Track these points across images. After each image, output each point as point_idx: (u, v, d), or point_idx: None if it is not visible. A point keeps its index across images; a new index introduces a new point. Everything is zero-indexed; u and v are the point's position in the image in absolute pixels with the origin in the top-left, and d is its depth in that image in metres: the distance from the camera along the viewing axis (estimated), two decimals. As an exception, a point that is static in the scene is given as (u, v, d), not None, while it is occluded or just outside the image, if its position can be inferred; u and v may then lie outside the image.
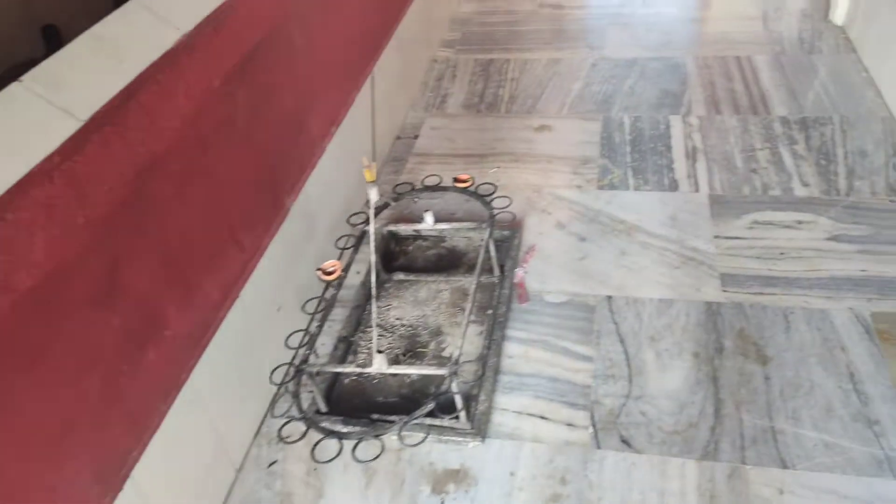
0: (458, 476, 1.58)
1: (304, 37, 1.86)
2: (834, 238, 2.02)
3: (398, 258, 2.17)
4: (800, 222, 2.09)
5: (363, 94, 2.33)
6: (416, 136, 2.69)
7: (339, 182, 2.10)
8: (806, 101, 2.59)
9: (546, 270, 2.05)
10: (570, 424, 1.65)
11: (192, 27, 1.37)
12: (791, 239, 2.03)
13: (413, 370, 1.54)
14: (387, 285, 2.05)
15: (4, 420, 1.00)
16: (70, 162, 1.09)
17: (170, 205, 1.36)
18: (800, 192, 2.19)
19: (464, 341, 1.56)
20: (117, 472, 1.23)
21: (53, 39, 2.20)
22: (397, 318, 1.95)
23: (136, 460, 1.26)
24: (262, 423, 1.72)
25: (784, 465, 1.51)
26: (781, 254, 1.99)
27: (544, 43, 3.21)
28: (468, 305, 1.65)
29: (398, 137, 2.70)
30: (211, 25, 1.42)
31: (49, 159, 1.05)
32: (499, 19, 3.48)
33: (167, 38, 1.33)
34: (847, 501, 1.43)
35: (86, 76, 1.18)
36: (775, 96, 2.63)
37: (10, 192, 0.99)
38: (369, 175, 1.69)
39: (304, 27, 1.86)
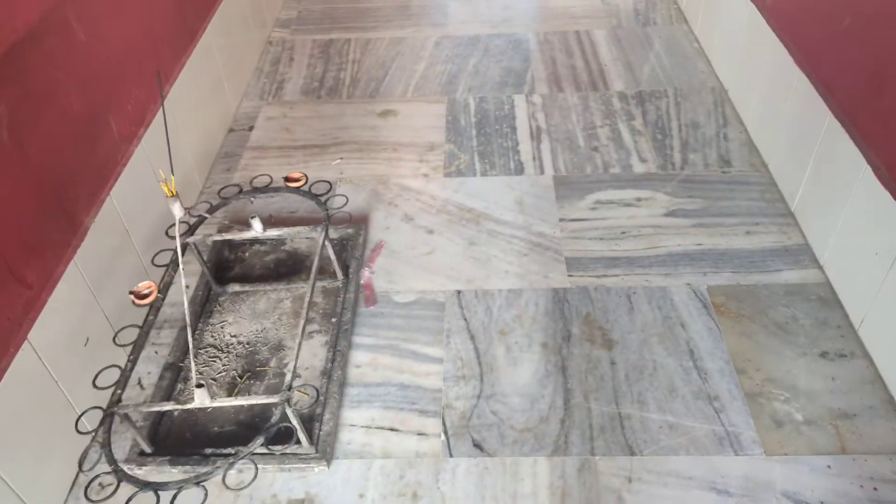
0: (304, 506, 1.46)
1: (88, 26, 1.61)
2: (671, 213, 2.07)
3: (233, 267, 1.99)
4: (639, 199, 2.11)
5: (182, 82, 2.10)
6: (250, 128, 2.49)
7: (154, 191, 1.87)
8: (642, 74, 2.63)
9: (394, 268, 1.95)
10: (421, 434, 1.57)
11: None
12: (631, 217, 2.06)
13: (240, 401, 1.40)
14: (221, 299, 1.87)
15: None
16: None
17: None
18: (638, 168, 2.22)
19: (297, 362, 1.43)
20: None
21: None
22: (233, 336, 1.78)
23: None
24: (76, 475, 1.51)
25: (631, 452, 1.51)
26: (623, 233, 2.01)
27: (387, 20, 3.07)
28: (301, 319, 1.52)
29: (231, 130, 2.48)
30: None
31: None
32: (338, -5, 3.30)
33: None
34: (691, 482, 1.46)
35: None
36: (613, 71, 2.65)
37: None
38: (167, 189, 1.49)
39: (86, 14, 1.61)
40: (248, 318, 1.83)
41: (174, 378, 1.67)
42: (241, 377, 1.68)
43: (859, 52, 1.69)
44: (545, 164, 2.25)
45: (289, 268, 1.97)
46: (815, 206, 1.92)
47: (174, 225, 1.57)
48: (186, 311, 1.38)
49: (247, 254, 2.02)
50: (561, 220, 2.05)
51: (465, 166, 2.27)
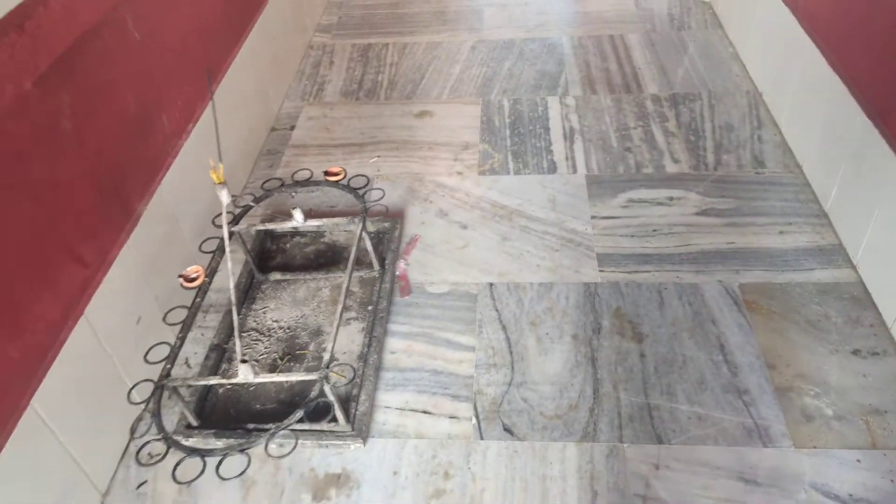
0: (339, 481, 1.52)
1: (142, 27, 1.71)
2: (703, 212, 2.09)
3: (275, 257, 2.07)
4: (671, 198, 2.14)
5: (226, 82, 2.19)
6: (292, 127, 2.58)
7: (200, 181, 1.96)
8: (676, 77, 2.66)
9: (428, 261, 2.01)
10: (453, 417, 1.62)
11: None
12: (663, 216, 2.08)
13: (282, 377, 1.46)
14: (263, 286, 1.95)
15: None
16: None
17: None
18: (671, 168, 2.25)
19: (334, 344, 1.49)
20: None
21: None
22: (274, 321, 1.86)
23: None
24: (129, 442, 1.60)
25: (659, 441, 1.54)
26: (654, 231, 2.04)
27: (424, 26, 3.15)
28: (339, 305, 1.58)
29: (273, 129, 2.58)
30: (13, 24, 1.27)
31: None
32: (377, 2, 3.39)
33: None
34: (719, 472, 1.47)
35: None
36: (647, 74, 2.69)
37: None
38: (216, 176, 1.58)
39: (141, 16, 1.71)
40: (288, 304, 1.90)
41: (219, 358, 1.75)
42: (281, 359, 1.75)
43: (892, 53, 1.71)
44: (578, 163, 2.29)
45: (327, 259, 2.04)
46: (849, 206, 1.92)
47: (221, 214, 1.66)
48: (232, 291, 1.45)
49: (288, 245, 2.10)
50: (593, 217, 2.09)
51: (498, 165, 2.32)
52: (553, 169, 2.28)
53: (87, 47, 1.49)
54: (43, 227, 1.35)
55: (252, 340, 1.81)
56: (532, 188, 2.22)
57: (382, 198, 1.96)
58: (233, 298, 1.46)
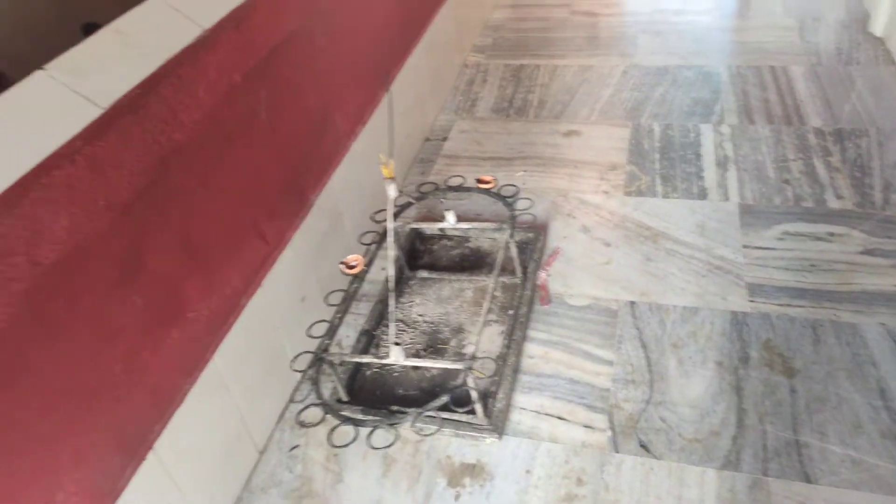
0: (474, 471, 1.57)
1: (327, 37, 1.89)
2: (868, 252, 1.97)
3: (423, 256, 2.17)
4: (832, 234, 2.04)
5: (391, 93, 2.35)
6: (444, 139, 2.71)
7: (364, 180, 2.12)
8: (842, 112, 2.54)
9: (569, 273, 2.04)
10: (588, 426, 1.63)
11: (212, 24, 1.40)
12: (822, 251, 1.99)
13: (429, 363, 1.54)
14: (411, 282, 2.06)
15: (30, 388, 1.02)
16: (91, 147, 1.12)
17: (192, 194, 1.38)
18: (833, 203, 2.14)
19: (479, 338, 1.56)
20: (139, 444, 1.25)
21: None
22: (420, 315, 1.95)
23: (158, 434, 1.28)
24: (285, 408, 1.74)
25: (808, 479, 1.47)
26: (812, 266, 1.95)
27: (576, 50, 3.20)
28: (485, 303, 1.65)
29: (427, 139, 2.72)
30: (232, 24, 1.45)
31: (71, 143, 1.08)
32: (531, 25, 3.49)
33: (188, 34, 1.35)
34: (872, 518, 1.39)
35: (107, 67, 1.20)
36: (810, 107, 2.58)
37: (34, 171, 1.02)
38: (387, 171, 1.70)
39: (327, 27, 1.89)
40: (433, 301, 1.99)
41: (368, 343, 1.87)
42: (424, 350, 1.84)
43: None
44: (730, 191, 2.24)
45: (471, 263, 2.12)
46: None
47: (380, 210, 1.78)
48: (390, 276, 1.55)
49: (435, 247, 2.20)
50: (745, 246, 2.03)
51: (645, 187, 2.32)
52: (703, 195, 2.25)
53: (282, 50, 1.67)
54: (240, 203, 1.52)
55: (398, 330, 1.91)
56: (680, 212, 2.19)
57: (531, 207, 2.01)
58: (390, 285, 1.56)
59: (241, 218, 1.54)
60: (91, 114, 1.11)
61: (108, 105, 1.13)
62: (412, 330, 1.90)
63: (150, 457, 1.26)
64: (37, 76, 1.09)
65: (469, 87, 3.01)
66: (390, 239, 1.68)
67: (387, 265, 1.63)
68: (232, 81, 1.46)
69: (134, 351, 1.22)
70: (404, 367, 1.78)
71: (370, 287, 2.03)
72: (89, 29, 2.32)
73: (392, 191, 1.71)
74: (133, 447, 1.23)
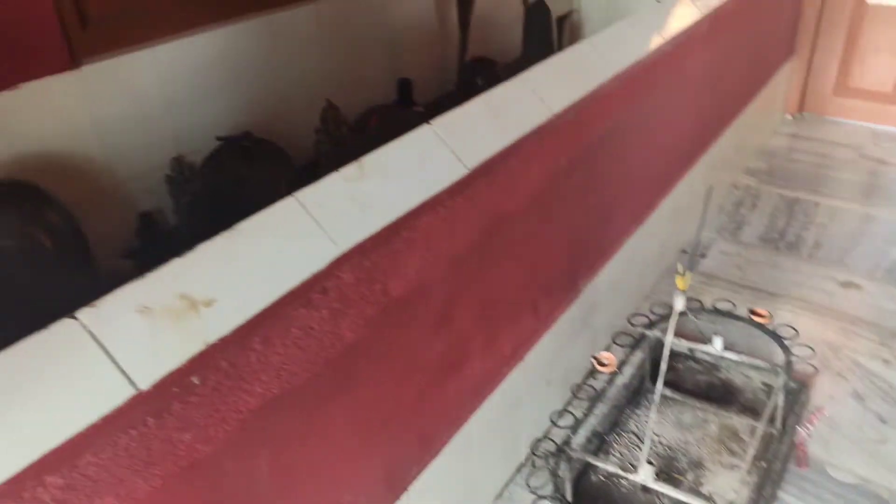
0: None
1: (635, 135, 1.91)
2: None
3: (666, 373, 2.06)
4: None
5: (667, 201, 2.32)
6: (703, 255, 2.60)
7: (627, 280, 2.08)
8: None
9: (832, 440, 1.81)
10: None
11: (560, 109, 1.47)
12: None
13: (681, 495, 1.43)
14: (650, 395, 1.96)
15: (352, 401, 1.09)
16: (453, 200, 1.20)
17: (501, 258, 1.43)
18: None
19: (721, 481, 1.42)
20: (402, 481, 1.28)
21: (405, 90, 2.51)
22: (655, 434, 1.84)
23: (415, 476, 1.30)
24: (504, 486, 1.70)
25: None
26: None
27: (858, 194, 2.95)
28: (750, 449, 1.50)
29: (683, 251, 2.63)
30: (573, 112, 1.51)
31: (440, 194, 1.16)
32: (810, 159, 3.29)
33: (541, 115, 1.42)
34: None
35: (477, 132, 1.29)
36: None
37: (409, 214, 1.10)
38: (681, 283, 1.64)
39: (638, 127, 1.91)
40: (671, 423, 1.87)
41: (599, 445, 1.79)
42: (657, 476, 1.72)
43: None
44: None
45: (718, 394, 1.98)
46: None
47: (638, 314, 1.72)
48: (658, 390, 1.48)
49: (681, 366, 2.09)
50: None
51: (939, 368, 2.02)
52: None
53: (601, 142, 1.71)
54: (530, 274, 1.56)
55: (630, 443, 1.81)
56: (983, 409, 1.88)
57: (813, 357, 1.84)
58: (657, 398, 1.49)
59: (527, 289, 1.57)
60: (458, 171, 1.19)
61: (472, 166, 1.22)
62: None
63: (404, 498, 1.28)
64: (424, 129, 1.20)
65: (736, 209, 2.89)
66: (666, 352, 1.61)
67: (658, 379, 1.56)
68: (559, 164, 1.52)
69: (421, 392, 1.27)
70: (635, 484, 1.67)
71: (611, 390, 1.96)
72: (402, 83, 2.58)
73: (680, 304, 1.65)
74: (397, 483, 1.27)
